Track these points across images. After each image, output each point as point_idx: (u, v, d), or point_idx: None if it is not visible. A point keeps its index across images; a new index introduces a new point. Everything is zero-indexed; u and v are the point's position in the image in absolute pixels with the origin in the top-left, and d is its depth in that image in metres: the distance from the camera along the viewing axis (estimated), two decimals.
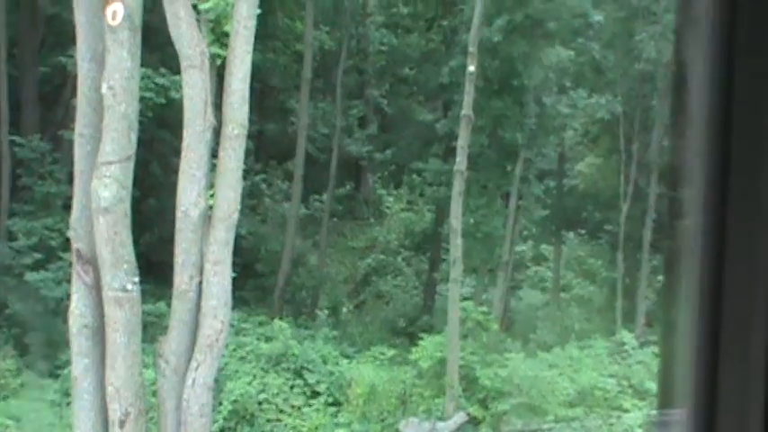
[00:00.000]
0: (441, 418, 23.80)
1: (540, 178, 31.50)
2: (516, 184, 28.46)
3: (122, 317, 13.74)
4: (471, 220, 27.78)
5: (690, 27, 1.02)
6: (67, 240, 15.76)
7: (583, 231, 35.32)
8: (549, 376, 24.54)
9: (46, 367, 24.57)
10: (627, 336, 26.68)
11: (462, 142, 24.60)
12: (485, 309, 26.80)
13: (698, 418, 0.92)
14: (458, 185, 24.69)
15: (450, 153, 27.33)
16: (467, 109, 24.26)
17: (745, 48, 0.95)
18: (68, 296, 14.79)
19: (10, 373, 24.09)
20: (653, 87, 30.04)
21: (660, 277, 25.83)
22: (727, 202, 0.94)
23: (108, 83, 13.79)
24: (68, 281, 16.06)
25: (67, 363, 16.90)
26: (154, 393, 16.71)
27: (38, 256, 26.79)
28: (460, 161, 24.61)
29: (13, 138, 28.58)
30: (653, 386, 24.33)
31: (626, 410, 23.80)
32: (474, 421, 23.82)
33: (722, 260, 0.94)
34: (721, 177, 0.95)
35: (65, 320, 15.16)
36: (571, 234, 34.42)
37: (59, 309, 23.36)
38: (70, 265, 14.79)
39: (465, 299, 26.79)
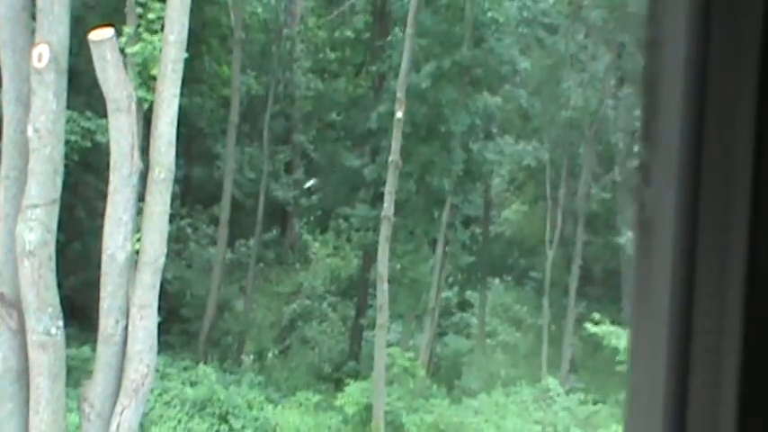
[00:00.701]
0: None
1: (466, 224, 31.69)
2: (443, 230, 28.62)
3: (47, 361, 13.63)
4: (398, 266, 27.87)
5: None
6: None
7: (508, 278, 35.56)
8: (475, 422, 24.62)
9: None
10: (552, 382, 26.83)
11: (390, 188, 24.73)
12: (411, 355, 26.84)
13: (668, 417, 0.95)
14: (385, 231, 24.79)
15: (377, 198, 27.45)
16: (394, 155, 24.43)
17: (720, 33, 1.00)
18: None
19: None
20: (580, 134, 30.44)
21: (587, 324, 26.05)
22: (699, 200, 0.98)
23: (33, 125, 13.75)
24: None
25: None
26: None
27: None
28: (388, 207, 24.73)
29: None
30: None
31: None
32: None
33: (694, 259, 0.98)
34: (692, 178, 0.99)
35: None
36: (497, 280, 34.65)
37: None
38: None
39: (391, 345, 26.83)
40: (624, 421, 1.02)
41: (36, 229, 13.53)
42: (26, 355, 13.66)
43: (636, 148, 26.33)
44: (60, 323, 13.82)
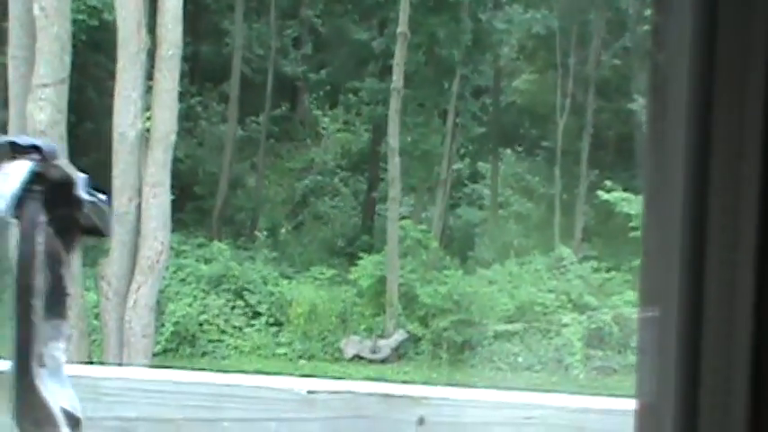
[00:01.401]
0: (381, 336, 24.07)
1: (476, 95, 31.51)
2: (453, 101, 28.49)
3: None
4: (409, 139, 27.82)
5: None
6: None
7: (520, 148, 35.43)
8: (489, 292, 24.83)
9: None
10: (565, 251, 26.94)
11: (398, 60, 24.59)
12: (424, 227, 26.97)
13: (683, 314, 0.95)
14: (394, 104, 24.72)
15: (386, 71, 27.28)
16: (402, 26, 24.23)
17: None
18: None
19: None
20: (589, 1, 30.07)
21: (599, 192, 26.04)
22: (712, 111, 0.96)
23: (40, 3, 13.64)
24: None
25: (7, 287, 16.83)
26: (96, 316, 16.77)
27: None
28: (397, 79, 24.62)
29: None
30: (592, 300, 24.68)
31: (565, 324, 24.14)
32: (414, 338, 24.11)
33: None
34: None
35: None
36: (508, 151, 34.52)
37: None
38: None
39: (404, 217, 26.93)
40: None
41: (46, 109, 13.52)
42: None
43: (647, 13, 26.05)
44: None
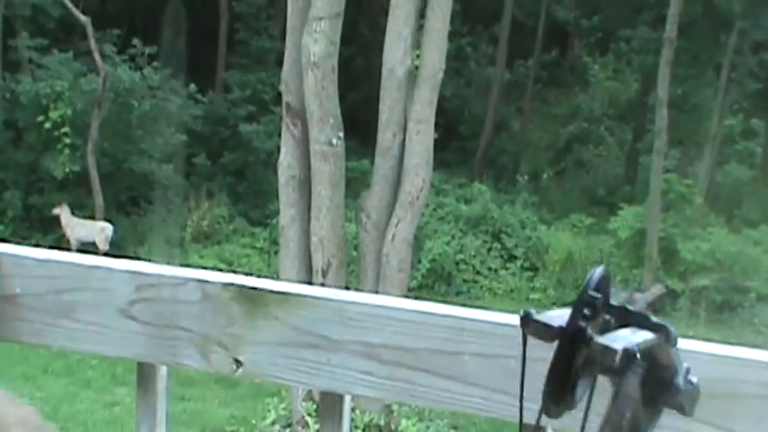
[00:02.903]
0: (638, 289, 23.73)
1: (754, 50, 30.40)
2: (729, 55, 27.58)
3: (327, 170, 14.10)
4: (679, 91, 27.13)
5: None
6: (278, 94, 16.15)
7: None
8: (754, 253, 24.08)
9: (256, 216, 25.47)
10: None
11: (674, 9, 23.95)
12: (689, 182, 26.34)
13: None
14: (666, 54, 24.14)
15: (659, 21, 26.61)
16: None
17: None
18: (278, 149, 15.22)
19: (223, 220, 25.09)
20: None
21: None
22: None
23: None
24: (278, 134, 16.51)
25: (276, 212, 17.47)
26: (355, 247, 17.18)
27: (251, 108, 27.59)
28: (671, 29, 24.01)
29: None
30: None
31: None
32: (672, 294, 23.66)
33: None
34: None
35: (274, 172, 15.67)
36: None
37: (269, 160, 24.10)
38: (280, 118, 15.18)
39: (668, 171, 26.38)
40: None
41: (320, 41, 13.84)
42: (309, 165, 14.16)
43: None
44: (341, 134, 14.20)
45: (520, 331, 1.42)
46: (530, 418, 1.45)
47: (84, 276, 1.69)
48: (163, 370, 1.72)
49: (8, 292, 1.71)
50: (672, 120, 25.10)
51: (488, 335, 1.46)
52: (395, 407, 14.19)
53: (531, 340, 1.43)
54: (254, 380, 1.75)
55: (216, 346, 1.63)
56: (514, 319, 1.46)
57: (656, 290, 23.41)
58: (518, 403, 1.40)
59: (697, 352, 1.38)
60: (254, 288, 1.60)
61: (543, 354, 1.43)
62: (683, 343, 1.39)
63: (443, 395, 1.50)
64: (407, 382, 1.51)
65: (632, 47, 31.37)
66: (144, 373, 1.72)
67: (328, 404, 1.63)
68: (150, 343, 1.67)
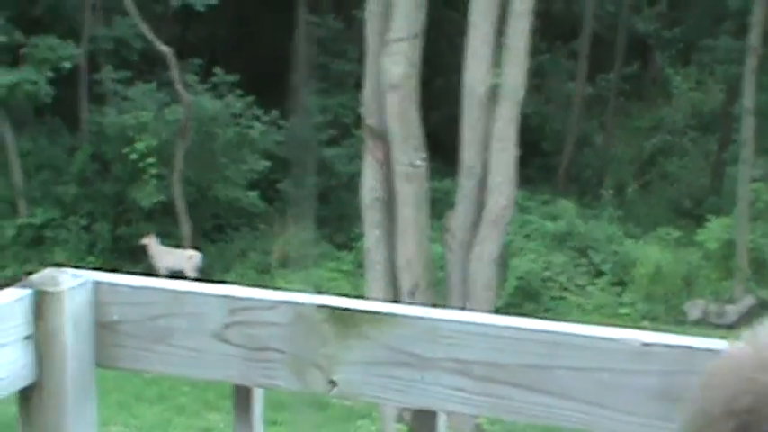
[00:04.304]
0: (728, 301, 23.43)
1: None
2: None
3: (411, 191, 14.16)
4: (764, 99, 26.76)
5: None
6: (359, 117, 16.24)
7: None
8: None
9: (341, 239, 25.57)
10: None
11: (756, 17, 23.68)
12: None
13: None
14: (751, 62, 23.86)
15: (742, 30, 26.29)
16: None
17: None
18: (360, 172, 15.29)
19: (309, 244, 25.21)
20: None
21: None
22: None
23: None
24: (360, 157, 16.58)
25: (360, 235, 17.54)
26: (441, 267, 17.17)
27: (332, 132, 27.73)
28: (754, 37, 23.73)
29: (310, 18, 29.46)
30: None
31: None
32: (764, 305, 23.31)
33: None
34: None
35: (357, 195, 15.74)
36: None
37: (352, 184, 24.20)
38: (362, 141, 15.26)
39: (755, 180, 26.01)
40: None
41: (400, 63, 13.92)
42: (392, 186, 14.22)
43: None
44: (424, 155, 14.26)
45: (612, 344, 1.42)
46: (623, 430, 1.45)
47: (179, 302, 1.72)
48: (258, 392, 1.74)
49: (106, 319, 1.75)
50: (758, 129, 24.77)
51: (582, 348, 1.46)
52: (486, 426, 14.14)
53: (619, 353, 1.43)
54: (348, 399, 1.77)
55: (310, 366, 1.65)
56: (608, 332, 1.46)
57: (748, 301, 23.08)
58: (614, 416, 1.40)
59: None
60: (346, 309, 1.62)
61: (635, 366, 1.43)
62: None
63: (538, 409, 1.50)
64: (501, 398, 1.52)
65: (715, 57, 31.02)
66: (240, 396, 1.75)
67: (422, 422, 1.64)
68: (245, 365, 1.69)
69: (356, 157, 23.00)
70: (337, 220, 26.27)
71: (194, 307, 1.70)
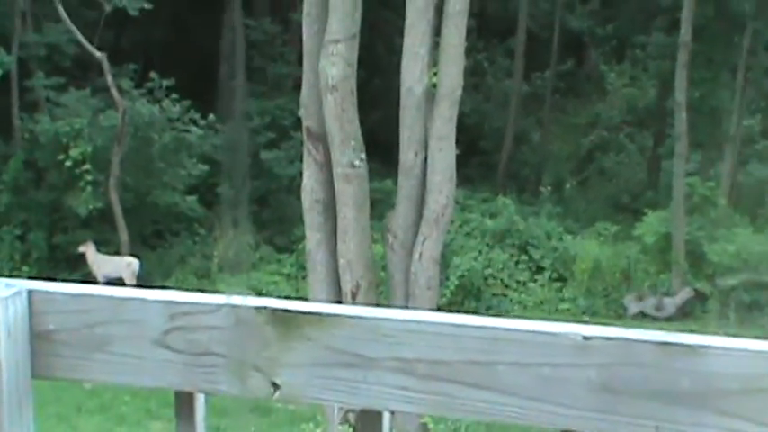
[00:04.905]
0: (666, 294, 23.67)
1: None
2: (744, 55, 27.47)
3: (351, 192, 14.13)
4: (696, 94, 27.06)
5: None
6: (298, 120, 16.20)
7: None
8: None
9: (282, 242, 25.51)
10: None
11: (687, 13, 23.94)
12: (712, 184, 26.25)
13: None
14: (682, 58, 24.13)
15: (674, 26, 26.59)
16: None
17: None
18: (300, 174, 15.25)
19: (249, 248, 25.13)
20: None
21: None
22: None
23: None
24: (299, 159, 16.54)
25: (301, 238, 17.51)
26: (383, 267, 17.18)
27: (271, 135, 27.64)
28: (685, 33, 23.99)
29: (246, 21, 29.37)
30: None
31: None
32: (701, 297, 23.57)
33: None
34: None
35: (298, 197, 15.70)
36: None
37: (292, 186, 24.15)
38: (301, 143, 15.23)
39: (690, 174, 26.29)
40: None
41: (338, 64, 13.89)
42: (332, 188, 14.20)
43: None
44: (363, 156, 14.24)
45: (552, 339, 1.42)
46: (564, 424, 1.46)
47: (117, 309, 1.69)
48: (201, 398, 1.73)
49: (42, 329, 1.72)
50: (691, 123, 25.05)
51: (522, 343, 1.46)
52: (431, 425, 14.16)
53: (560, 347, 1.44)
54: (291, 403, 1.76)
55: (252, 370, 1.63)
56: (548, 327, 1.46)
57: (685, 293, 23.33)
58: (555, 410, 1.40)
59: (732, 348, 1.38)
60: (287, 310, 1.61)
61: (575, 359, 1.44)
62: (717, 340, 1.39)
63: (480, 405, 1.50)
64: (444, 395, 1.52)
65: (648, 53, 31.34)
66: (182, 402, 1.73)
67: (367, 422, 1.64)
68: (186, 371, 1.67)
69: (296, 159, 22.99)
70: (278, 222, 26.20)
71: (133, 313, 1.68)
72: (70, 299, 1.72)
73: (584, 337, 1.42)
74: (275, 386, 1.63)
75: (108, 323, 1.70)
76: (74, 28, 23.72)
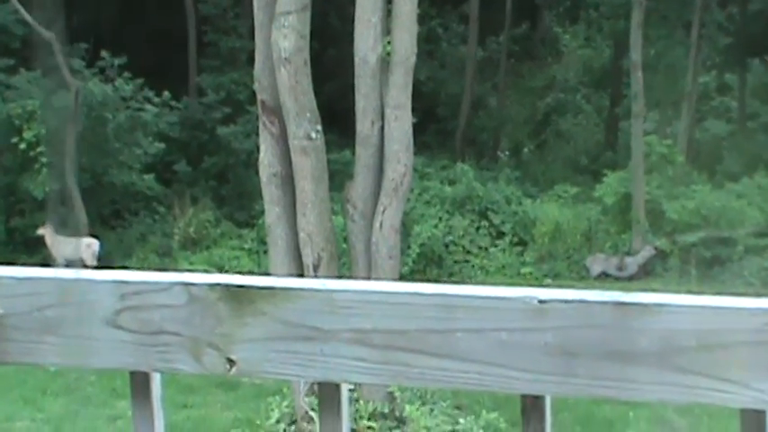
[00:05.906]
0: (628, 253, 23.81)
1: (722, 5, 30.40)
2: (698, 11, 27.56)
3: (309, 164, 14.09)
4: (652, 52, 27.16)
5: None
6: (253, 93, 16.12)
7: None
8: (738, 206, 24.16)
9: (242, 217, 25.45)
10: None
11: None
12: (669, 142, 26.39)
13: None
14: (636, 17, 24.19)
15: None
16: None
17: None
18: (258, 148, 15.18)
19: (210, 224, 25.04)
20: None
21: None
22: None
23: None
24: (256, 133, 16.47)
25: (261, 212, 17.46)
26: (344, 239, 17.18)
27: (227, 110, 27.51)
28: None
29: None
30: None
31: None
32: (662, 255, 23.73)
33: None
34: None
35: (256, 172, 15.64)
36: (756, 61, 33.25)
37: (250, 161, 24.07)
38: (257, 117, 15.15)
39: (648, 133, 26.41)
40: None
41: (290, 36, 13.81)
42: (289, 161, 14.15)
43: None
44: (319, 127, 14.18)
45: (509, 303, 1.41)
46: (523, 388, 1.45)
47: (67, 291, 1.67)
48: (156, 377, 1.71)
49: None
50: (647, 82, 25.15)
51: (479, 309, 1.45)
52: (397, 393, 14.20)
53: (516, 312, 1.43)
54: (249, 378, 1.74)
55: (207, 347, 1.61)
56: (504, 292, 1.45)
57: (646, 252, 23.48)
58: (513, 374, 1.39)
59: (688, 306, 1.37)
60: (240, 286, 1.59)
61: (531, 323, 1.43)
62: (673, 298, 1.38)
63: (439, 374, 1.49)
64: (401, 365, 1.50)
65: (602, 13, 31.41)
66: (137, 382, 1.71)
67: (326, 395, 1.62)
68: (140, 351, 1.65)
69: (252, 133, 22.89)
70: (237, 198, 26.12)
71: (83, 295, 1.66)
72: (18, 282, 1.69)
73: (540, 301, 1.41)
74: (231, 362, 1.61)
75: (58, 305, 1.67)
76: (21, 8, 23.45)
